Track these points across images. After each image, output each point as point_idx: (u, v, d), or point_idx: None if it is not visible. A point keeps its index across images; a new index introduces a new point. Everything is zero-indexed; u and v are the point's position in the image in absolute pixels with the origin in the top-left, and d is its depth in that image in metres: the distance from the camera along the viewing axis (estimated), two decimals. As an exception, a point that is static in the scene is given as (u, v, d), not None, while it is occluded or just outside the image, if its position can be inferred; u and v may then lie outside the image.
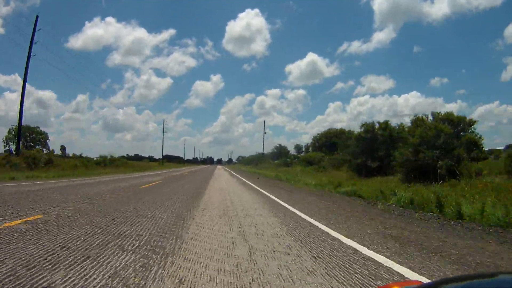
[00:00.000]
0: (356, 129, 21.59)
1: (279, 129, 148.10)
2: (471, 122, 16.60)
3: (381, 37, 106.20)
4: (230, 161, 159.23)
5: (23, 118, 24.03)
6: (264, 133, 72.30)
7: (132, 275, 2.49)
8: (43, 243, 3.31)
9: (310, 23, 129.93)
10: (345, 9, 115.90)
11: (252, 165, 76.95)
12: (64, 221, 4.55)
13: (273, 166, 50.46)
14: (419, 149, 11.96)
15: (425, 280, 2.43)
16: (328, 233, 4.33)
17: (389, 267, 2.87)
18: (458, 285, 0.79)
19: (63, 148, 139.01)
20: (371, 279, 2.54)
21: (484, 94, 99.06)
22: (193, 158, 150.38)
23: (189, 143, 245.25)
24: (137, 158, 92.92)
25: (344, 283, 2.46)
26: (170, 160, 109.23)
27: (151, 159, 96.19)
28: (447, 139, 11.85)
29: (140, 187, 11.60)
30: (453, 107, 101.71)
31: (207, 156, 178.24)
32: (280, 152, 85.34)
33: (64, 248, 3.13)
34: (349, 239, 3.94)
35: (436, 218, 5.68)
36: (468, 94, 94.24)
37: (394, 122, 26.18)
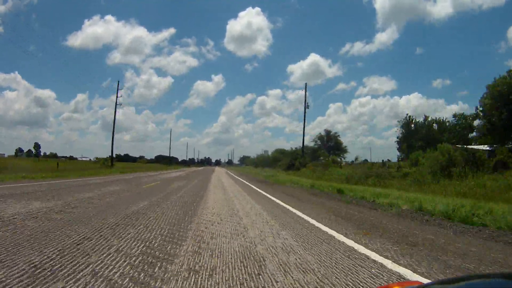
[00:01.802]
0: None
1: (279, 130, 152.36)
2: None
3: (384, 38, 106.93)
4: (230, 162, 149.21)
5: None
6: (307, 107, 38.49)
7: None
8: None
9: (312, 23, 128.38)
10: (347, 9, 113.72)
11: (276, 168, 43.62)
12: None
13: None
14: None
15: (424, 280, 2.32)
16: None
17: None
18: (458, 285, 0.79)
19: (37, 146, 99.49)
20: None
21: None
22: (189, 158, 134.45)
23: (189, 144, 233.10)
24: (128, 158, 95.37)
25: None
26: (158, 161, 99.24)
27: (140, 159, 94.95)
28: None
29: None
30: (455, 109, 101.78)
31: (205, 157, 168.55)
32: (329, 145, 51.53)
33: None
34: None
35: None
36: (469, 96, 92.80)
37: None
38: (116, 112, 41.00)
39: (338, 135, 46.64)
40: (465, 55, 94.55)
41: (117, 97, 40.15)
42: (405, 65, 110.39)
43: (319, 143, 46.84)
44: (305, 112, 38.81)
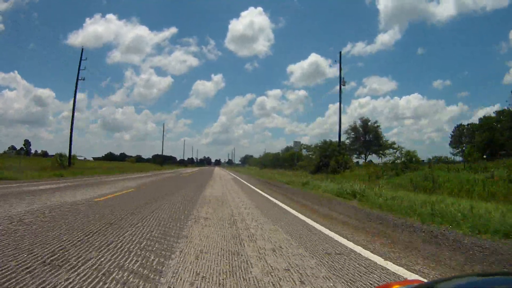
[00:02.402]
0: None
1: (279, 130, 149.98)
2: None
3: (386, 38, 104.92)
4: (230, 162, 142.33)
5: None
6: (343, 84, 27.26)
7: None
8: None
9: (314, 23, 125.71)
10: (351, 10, 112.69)
11: (298, 170, 32.18)
12: None
13: None
14: None
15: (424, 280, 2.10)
16: None
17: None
18: (458, 284, 0.78)
19: (27, 143, 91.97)
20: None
21: (486, 97, 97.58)
22: (188, 158, 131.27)
23: (189, 144, 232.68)
24: (124, 157, 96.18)
25: None
26: (154, 160, 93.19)
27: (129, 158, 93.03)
28: None
29: None
30: (454, 110, 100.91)
31: (204, 156, 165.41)
32: (365, 139, 38.96)
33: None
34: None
35: None
36: (469, 97, 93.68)
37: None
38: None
39: (379, 125, 34.80)
40: (467, 56, 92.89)
41: (79, 69, 29.10)
42: (405, 65, 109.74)
43: (353, 135, 35.12)
44: (340, 89, 27.36)
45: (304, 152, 38.72)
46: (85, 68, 29.81)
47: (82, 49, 30.34)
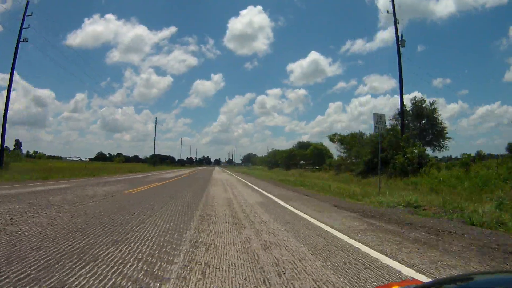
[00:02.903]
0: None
1: (279, 129, 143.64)
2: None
3: (385, 35, 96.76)
4: (230, 161, 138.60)
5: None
6: (402, 45, 18.03)
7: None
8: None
9: (313, 21, 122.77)
10: (350, 7, 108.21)
11: (324, 171, 22.57)
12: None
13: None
14: None
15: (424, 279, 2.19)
16: None
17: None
18: (459, 284, 0.77)
19: (17, 143, 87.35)
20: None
21: (486, 95, 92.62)
22: (187, 158, 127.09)
23: (189, 144, 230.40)
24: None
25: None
26: (143, 161, 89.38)
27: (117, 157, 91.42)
28: None
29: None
30: (455, 108, 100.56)
31: (204, 156, 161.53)
32: (419, 126, 26.78)
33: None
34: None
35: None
36: (470, 95, 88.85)
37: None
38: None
39: (436, 108, 25.28)
40: (466, 54, 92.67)
41: (21, 27, 20.34)
42: (406, 63, 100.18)
43: (403, 122, 25.58)
44: (399, 51, 18.44)
45: (334, 147, 29.48)
46: (28, 26, 20.74)
47: (28, 1, 21.05)
